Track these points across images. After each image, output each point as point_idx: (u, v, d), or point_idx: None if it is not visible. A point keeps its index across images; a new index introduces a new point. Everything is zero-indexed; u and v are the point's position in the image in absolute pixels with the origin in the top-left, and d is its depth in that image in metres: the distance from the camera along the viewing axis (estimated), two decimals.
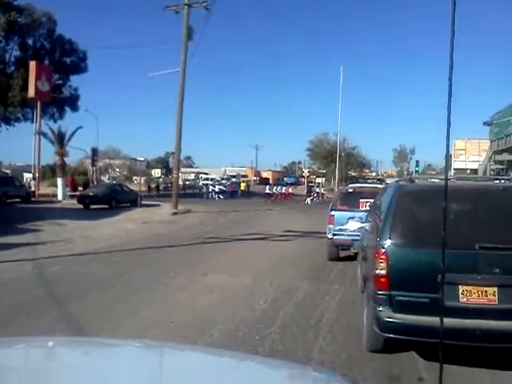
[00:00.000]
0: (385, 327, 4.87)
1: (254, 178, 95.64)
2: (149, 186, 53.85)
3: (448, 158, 3.43)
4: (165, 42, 63.03)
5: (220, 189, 45.49)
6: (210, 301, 7.76)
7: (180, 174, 36.14)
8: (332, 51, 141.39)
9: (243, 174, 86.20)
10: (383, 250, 4.96)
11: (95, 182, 42.08)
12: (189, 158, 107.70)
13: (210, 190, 45.59)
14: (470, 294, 4.72)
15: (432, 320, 4.65)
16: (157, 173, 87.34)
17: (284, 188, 44.11)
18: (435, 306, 4.65)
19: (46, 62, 41.00)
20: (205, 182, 64.31)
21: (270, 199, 39.65)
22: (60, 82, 42.71)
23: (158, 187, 53.35)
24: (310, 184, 53.24)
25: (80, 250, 12.96)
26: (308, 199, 39.00)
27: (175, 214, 26.07)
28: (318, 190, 44.74)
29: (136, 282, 9.13)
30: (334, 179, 57.70)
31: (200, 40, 33.21)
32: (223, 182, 51.85)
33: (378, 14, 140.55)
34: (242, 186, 55.95)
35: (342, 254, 11.61)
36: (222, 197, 42.80)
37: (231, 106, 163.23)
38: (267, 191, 42.13)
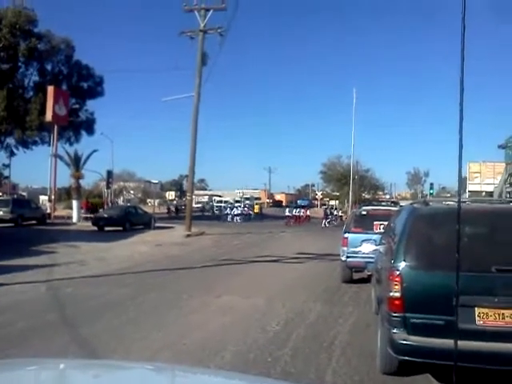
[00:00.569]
0: (399, 349, 4.80)
1: (267, 201, 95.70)
2: (168, 209, 54.04)
3: (461, 180, 3.41)
4: (179, 67, 63.71)
5: (239, 211, 45.46)
6: (223, 323, 7.71)
7: (194, 197, 36.29)
8: (345, 73, 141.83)
9: (256, 196, 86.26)
10: (397, 273, 4.91)
11: (110, 205, 42.39)
12: (202, 180, 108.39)
13: (228, 212, 45.60)
14: (487, 317, 4.64)
15: (447, 342, 4.56)
16: (171, 195, 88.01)
17: (302, 211, 44.12)
18: (450, 329, 4.57)
19: (63, 87, 41.75)
20: (218, 205, 64.74)
21: (290, 222, 39.67)
22: (77, 106, 43.44)
23: (177, 209, 53.43)
24: (324, 206, 53.18)
25: (93, 272, 13.02)
26: (325, 221, 38.97)
27: (189, 236, 26.13)
28: (335, 212, 44.66)
29: (148, 304, 9.11)
30: (348, 202, 57.44)
31: (215, 64, 33.69)
32: (239, 204, 51.50)
33: (392, 36, 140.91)
34: (256, 208, 56.00)
35: (356, 276, 11.51)
36: (239, 219, 42.76)
37: (244, 128, 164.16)
38: (287, 214, 42.06)
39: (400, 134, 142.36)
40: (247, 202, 64.80)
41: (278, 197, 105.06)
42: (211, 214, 55.90)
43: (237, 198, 77.71)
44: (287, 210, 44.03)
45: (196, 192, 61.28)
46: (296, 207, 46.33)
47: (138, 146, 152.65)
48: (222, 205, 60.63)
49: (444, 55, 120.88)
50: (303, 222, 41.32)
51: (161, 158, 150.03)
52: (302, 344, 6.49)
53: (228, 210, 46.41)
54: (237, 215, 44.11)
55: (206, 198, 79.11)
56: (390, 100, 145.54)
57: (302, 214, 43.18)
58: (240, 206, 47.78)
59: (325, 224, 38.30)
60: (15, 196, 46.17)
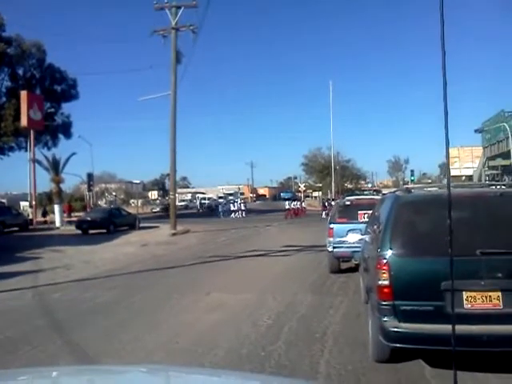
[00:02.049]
0: (390, 337, 4.86)
1: (251, 195, 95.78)
2: (166, 208, 53.47)
3: (449, 165, 3.43)
4: (154, 66, 62.45)
5: (238, 207, 45.50)
6: (214, 320, 7.71)
7: (177, 195, 36.18)
8: (323, 64, 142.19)
9: (240, 191, 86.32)
10: (385, 261, 4.96)
11: (92, 207, 42.05)
12: (185, 178, 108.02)
13: (224, 208, 45.85)
14: (475, 300, 4.72)
15: (437, 327, 4.66)
16: (153, 195, 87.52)
17: (298, 203, 44.59)
18: (439, 314, 4.66)
19: (37, 91, 41.15)
20: (202, 202, 65.12)
21: (289, 215, 40.07)
22: (52, 110, 42.91)
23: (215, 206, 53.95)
24: (323, 197, 53.78)
25: (80, 275, 12.90)
26: (324, 212, 39.27)
27: (174, 234, 26.06)
28: (333, 203, 45.17)
29: (138, 305, 9.08)
30: (331, 192, 57.77)
31: (190, 61, 33.49)
32: (237, 200, 51.26)
33: (369, 26, 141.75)
34: None
35: (344, 265, 11.60)
36: (238, 215, 43.04)
37: (224, 124, 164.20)
38: (287, 207, 42.69)
39: (378, 123, 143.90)
40: (231, 197, 65.16)
41: (261, 191, 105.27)
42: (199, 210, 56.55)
43: (220, 194, 77.85)
44: (286, 203, 44.84)
45: (179, 190, 61.11)
46: (294, 200, 46.70)
47: (118, 147, 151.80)
48: (211, 201, 61.23)
49: (420, 42, 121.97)
50: (299, 214, 41.65)
51: (141, 157, 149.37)
52: (295, 337, 6.53)
53: (223, 207, 46.71)
54: (236, 211, 44.30)
55: (189, 196, 79.07)
56: (367, 90, 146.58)
57: (298, 206, 43.70)
58: (237, 202, 47.76)
59: (324, 215, 38.50)
60: None
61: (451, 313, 3.15)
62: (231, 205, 46.70)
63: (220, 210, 46.66)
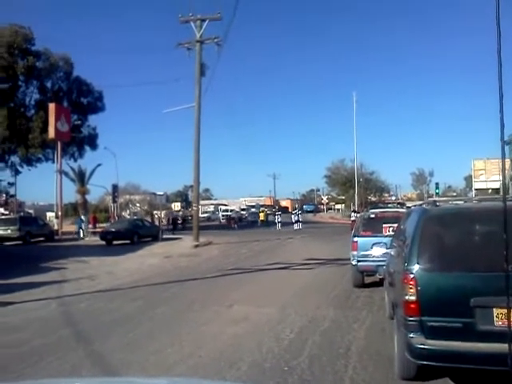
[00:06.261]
0: (417, 354, 4.74)
1: (274, 208, 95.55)
2: (228, 219, 53.11)
3: (504, 179, 3.23)
4: (179, 79, 62.75)
5: (297, 218, 44.19)
6: (237, 333, 7.66)
7: (199, 207, 36.33)
8: (346, 76, 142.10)
9: (261, 203, 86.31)
10: (412, 276, 4.86)
11: (116, 218, 42.49)
12: (207, 190, 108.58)
13: (280, 220, 45.14)
14: (505, 317, 4.58)
15: (466, 345, 4.54)
16: (176, 206, 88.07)
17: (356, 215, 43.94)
18: (468, 331, 4.54)
19: (64, 104, 42.14)
20: (224, 214, 65.36)
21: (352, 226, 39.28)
22: (79, 122, 43.78)
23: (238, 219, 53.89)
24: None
25: (104, 286, 13.02)
26: None
27: (197, 246, 26.12)
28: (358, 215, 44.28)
29: (162, 316, 9.08)
30: (354, 205, 57.32)
31: (214, 74, 33.84)
32: (295, 212, 49.83)
33: (393, 37, 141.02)
34: (261, 215, 56.04)
35: (368, 279, 11.43)
36: (298, 227, 42.12)
37: (248, 136, 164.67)
38: (352, 218, 41.61)
39: (403, 135, 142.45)
40: (253, 209, 65.07)
41: (283, 203, 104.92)
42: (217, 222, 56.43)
43: (242, 206, 78.11)
44: (352, 214, 43.46)
45: (202, 202, 61.43)
46: (356, 212, 45.86)
47: (142, 159, 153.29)
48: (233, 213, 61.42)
49: (443, 53, 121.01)
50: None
51: (165, 169, 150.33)
52: (318, 351, 6.43)
53: (279, 218, 46.13)
54: (295, 222, 43.60)
55: (211, 208, 79.44)
56: (391, 102, 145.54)
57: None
58: (295, 214, 46.66)
59: None
60: (22, 214, 46.34)
61: (509, 331, 3.03)
62: (292, 216, 45.59)
63: (277, 221, 45.87)
